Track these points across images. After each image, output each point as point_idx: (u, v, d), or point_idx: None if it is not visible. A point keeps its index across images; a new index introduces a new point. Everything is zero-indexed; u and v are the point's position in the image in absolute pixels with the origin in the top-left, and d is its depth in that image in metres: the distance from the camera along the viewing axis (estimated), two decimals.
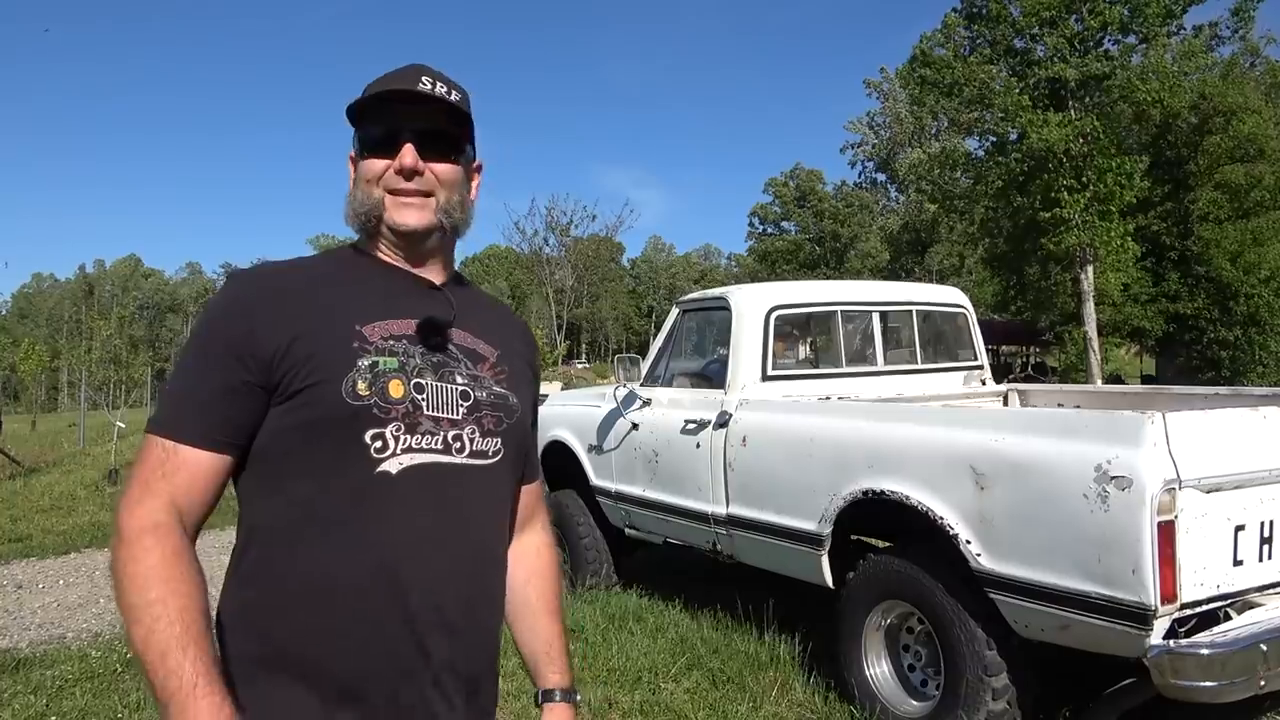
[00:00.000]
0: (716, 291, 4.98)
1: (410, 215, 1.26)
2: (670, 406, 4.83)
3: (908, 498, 3.34)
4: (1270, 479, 2.89)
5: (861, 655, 3.63)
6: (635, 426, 5.00)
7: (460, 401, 1.26)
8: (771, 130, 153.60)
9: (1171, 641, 2.68)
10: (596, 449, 5.36)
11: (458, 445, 1.24)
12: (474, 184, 1.38)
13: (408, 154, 1.25)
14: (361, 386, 1.17)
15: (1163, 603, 2.63)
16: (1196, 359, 22.92)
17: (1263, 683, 2.72)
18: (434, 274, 1.33)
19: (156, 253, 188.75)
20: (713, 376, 4.80)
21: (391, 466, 1.18)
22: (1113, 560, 2.70)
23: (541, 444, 5.46)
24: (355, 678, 1.16)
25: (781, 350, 4.88)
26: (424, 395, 1.22)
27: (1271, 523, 2.90)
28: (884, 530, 4.19)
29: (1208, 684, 2.65)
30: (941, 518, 3.21)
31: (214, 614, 1.16)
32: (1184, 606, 2.70)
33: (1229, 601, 2.84)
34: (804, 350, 5.49)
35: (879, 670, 3.63)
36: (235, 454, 1.18)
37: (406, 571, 1.18)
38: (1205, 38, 19.08)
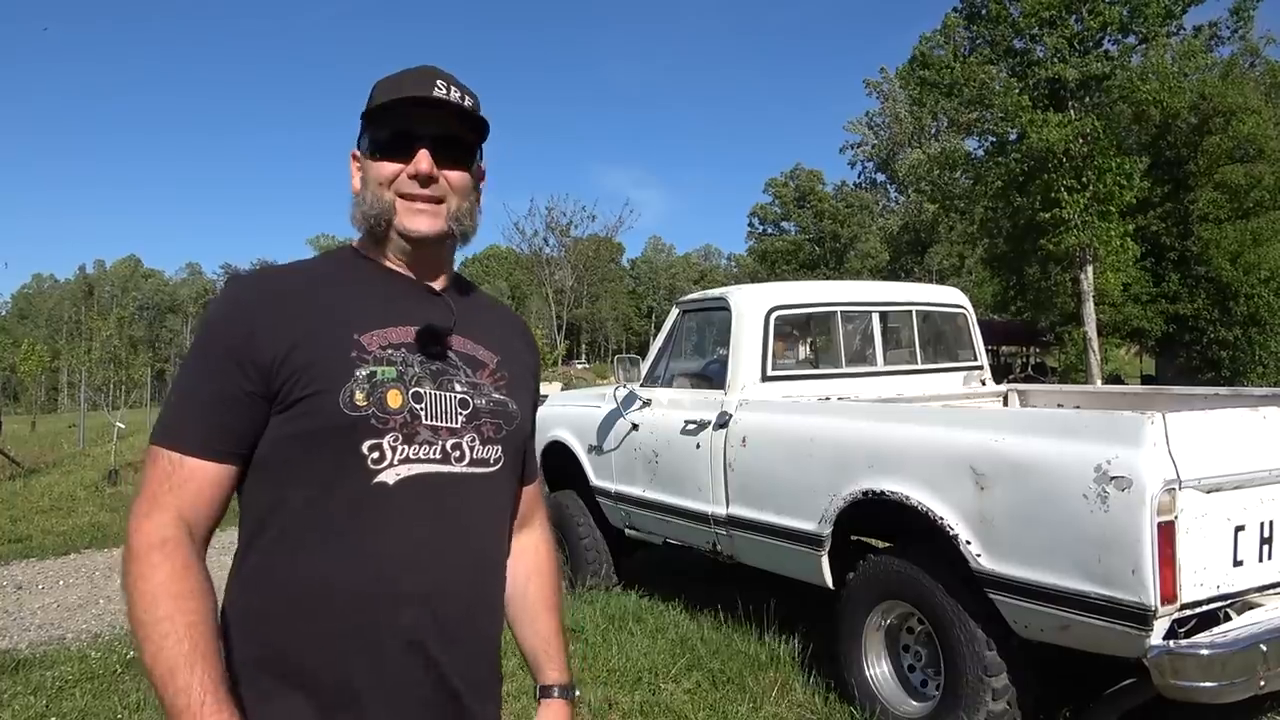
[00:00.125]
0: (716, 292, 4.98)
1: (423, 221, 1.25)
2: (670, 407, 4.82)
3: (908, 498, 3.34)
4: (1270, 479, 2.89)
5: (861, 655, 3.63)
6: (635, 427, 5.00)
7: (459, 410, 1.25)
8: (771, 130, 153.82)
9: (1171, 642, 2.68)
10: (596, 449, 5.36)
11: (457, 454, 1.24)
12: (480, 188, 1.37)
13: (424, 160, 1.24)
14: (359, 397, 1.17)
15: (1163, 603, 2.63)
16: (1196, 359, 22.91)
17: (1263, 683, 2.72)
18: (435, 279, 1.32)
19: (156, 253, 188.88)
20: (713, 377, 4.80)
21: (389, 477, 1.18)
22: (1113, 560, 2.70)
23: (541, 444, 5.47)
24: (353, 686, 1.16)
25: (781, 350, 4.88)
26: (422, 405, 1.21)
27: (1271, 523, 2.90)
28: (884, 530, 4.19)
29: (1208, 684, 2.65)
30: (941, 518, 3.20)
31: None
32: (1184, 607, 2.70)
33: (1229, 602, 2.84)
34: (804, 350, 5.49)
35: (879, 670, 3.63)
36: (240, 463, 1.18)
37: (404, 581, 1.18)
38: (1205, 38, 19.09)
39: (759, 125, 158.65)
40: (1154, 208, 22.62)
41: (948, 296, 5.46)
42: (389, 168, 1.25)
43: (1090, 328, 19.60)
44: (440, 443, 1.22)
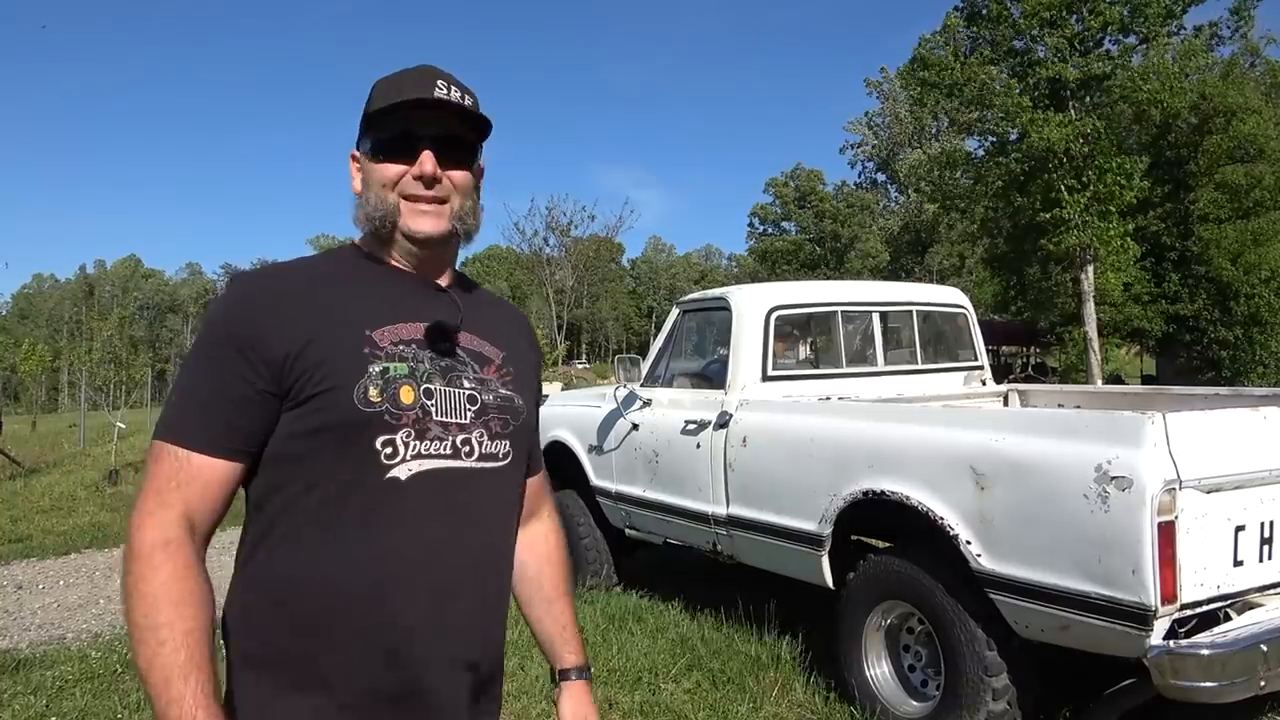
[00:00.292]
0: (716, 292, 4.98)
1: (427, 222, 1.26)
2: (670, 407, 4.82)
3: (908, 498, 3.33)
4: (1270, 479, 2.89)
5: (862, 656, 3.63)
6: (635, 427, 5.00)
7: (468, 406, 1.26)
8: (771, 130, 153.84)
9: (1171, 642, 2.68)
10: (597, 449, 5.36)
11: (467, 449, 1.24)
12: (480, 186, 1.37)
13: (428, 161, 1.24)
14: (373, 393, 1.17)
15: (1163, 603, 2.63)
16: (1196, 359, 22.90)
17: (1263, 683, 2.72)
18: (439, 276, 1.33)
19: (156, 253, 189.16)
20: (713, 377, 4.80)
21: (401, 473, 1.18)
22: (1113, 560, 2.70)
23: (542, 444, 5.45)
24: (360, 682, 1.16)
25: (782, 350, 4.88)
26: (433, 401, 1.22)
27: (1271, 523, 2.90)
28: (884, 530, 4.19)
29: (1208, 684, 2.65)
30: (941, 518, 3.20)
31: (219, 615, 1.16)
32: (1184, 607, 2.69)
33: (1229, 602, 2.84)
34: (804, 350, 5.49)
35: (879, 671, 3.63)
36: (248, 461, 1.18)
37: (415, 577, 1.19)
38: (1205, 38, 19.09)
39: (759, 125, 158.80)
40: (1154, 208, 22.62)
41: (948, 296, 5.46)
42: (392, 169, 1.25)
43: (1090, 328, 19.60)
44: (450, 438, 1.23)
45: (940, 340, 5.39)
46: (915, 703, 3.51)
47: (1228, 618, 2.85)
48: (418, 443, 1.20)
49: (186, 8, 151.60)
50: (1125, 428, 2.76)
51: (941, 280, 38.07)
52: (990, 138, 20.87)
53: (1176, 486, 2.66)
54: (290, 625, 1.17)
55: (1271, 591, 2.93)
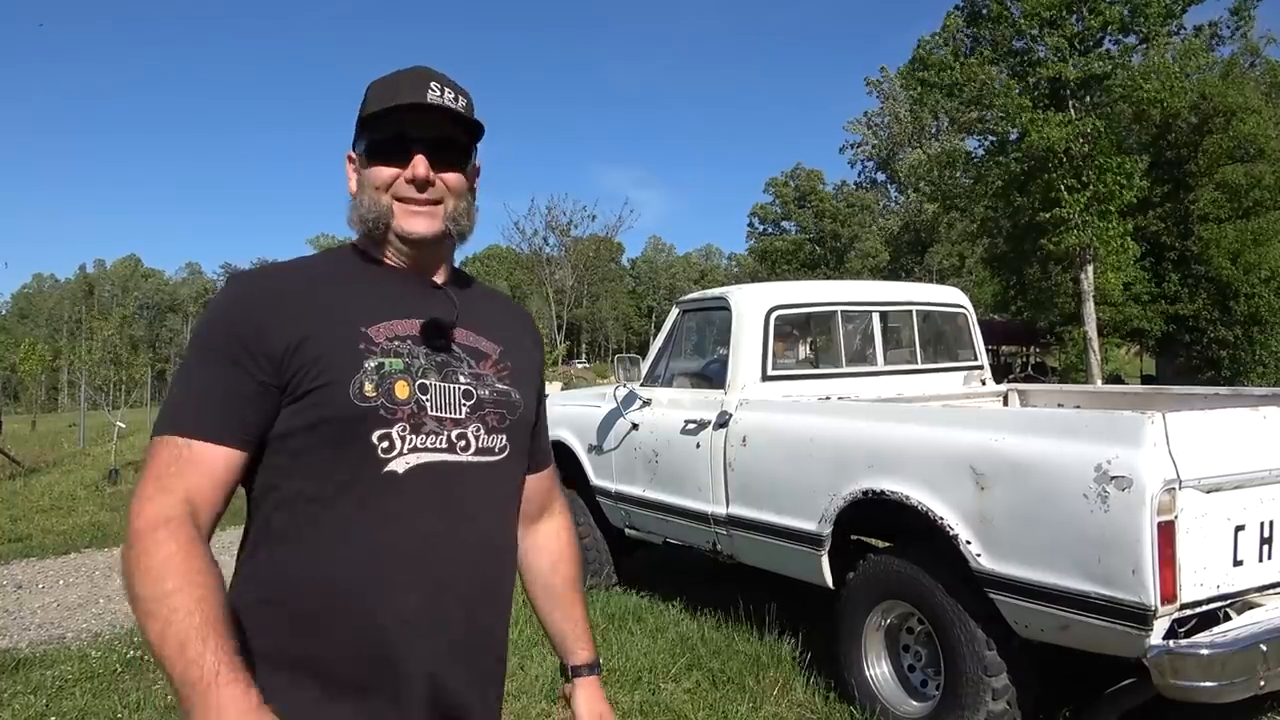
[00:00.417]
0: (716, 291, 4.98)
1: (420, 224, 1.26)
2: (670, 406, 4.82)
3: (908, 498, 3.33)
4: (1270, 479, 2.89)
5: (861, 655, 3.63)
6: (635, 426, 5.00)
7: (463, 401, 1.27)
8: (771, 130, 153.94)
9: (1171, 642, 2.68)
10: (596, 449, 5.36)
11: (462, 444, 1.25)
12: (475, 185, 1.38)
13: (420, 165, 1.25)
14: (369, 388, 1.18)
15: (1163, 603, 2.63)
16: (1196, 359, 22.91)
17: (1263, 683, 2.72)
18: (435, 274, 1.34)
19: (156, 253, 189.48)
20: (713, 376, 4.80)
21: (398, 466, 1.19)
22: (1113, 560, 2.70)
23: None
24: (359, 676, 1.17)
25: (781, 350, 4.88)
26: (428, 396, 1.23)
27: (1271, 523, 2.90)
28: (884, 530, 4.19)
29: (1208, 684, 2.65)
30: (941, 518, 3.20)
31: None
32: (1184, 607, 2.69)
33: (1229, 602, 2.84)
34: (804, 350, 5.49)
35: (879, 670, 3.63)
36: (249, 450, 1.17)
37: (412, 570, 1.19)
38: (1205, 38, 19.09)
39: (759, 125, 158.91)
40: (1154, 207, 22.63)
41: (948, 296, 5.46)
42: (386, 172, 1.26)
43: (1090, 327, 19.61)
44: (446, 433, 1.24)
45: (940, 340, 5.39)
46: (915, 703, 3.51)
47: (1227, 617, 2.85)
48: (414, 437, 1.20)
49: (186, 8, 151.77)
50: (1125, 427, 2.76)
51: (941, 280, 38.06)
52: (990, 137, 20.88)
53: (1176, 486, 2.66)
54: (290, 621, 1.17)
55: (1271, 591, 2.93)
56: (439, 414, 1.23)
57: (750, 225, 59.15)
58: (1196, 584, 2.72)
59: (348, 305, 1.23)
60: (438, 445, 1.22)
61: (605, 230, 47.63)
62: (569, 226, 44.50)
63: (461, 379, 1.28)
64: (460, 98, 1.28)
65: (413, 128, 1.25)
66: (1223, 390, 4.65)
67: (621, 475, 5.15)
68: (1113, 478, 2.70)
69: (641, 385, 4.97)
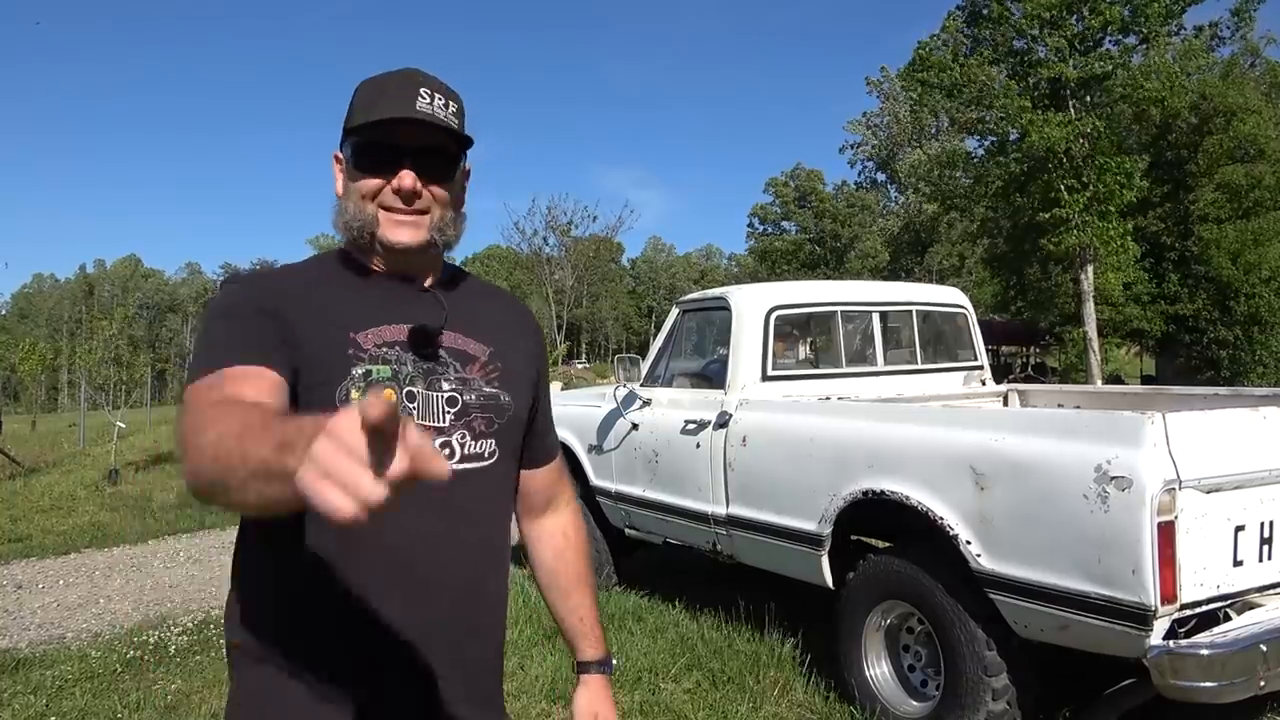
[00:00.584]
0: (716, 291, 4.98)
1: (405, 233, 1.25)
2: (670, 407, 4.82)
3: (908, 498, 3.34)
4: (1270, 479, 2.89)
5: (861, 655, 3.63)
6: (635, 427, 5.00)
7: (447, 409, 1.26)
8: (771, 130, 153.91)
9: (1171, 642, 2.68)
10: (596, 449, 5.36)
11: (446, 452, 1.24)
12: (464, 191, 1.35)
13: (407, 178, 1.22)
14: (354, 394, 1.17)
15: (1163, 603, 2.63)
16: (1196, 359, 22.91)
17: (1263, 683, 2.72)
18: (424, 278, 1.32)
19: (156, 253, 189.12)
20: (713, 376, 4.80)
21: None
22: (1113, 560, 2.70)
23: None
24: (351, 679, 1.17)
25: (781, 350, 4.88)
26: (414, 404, 1.22)
27: (1271, 523, 2.90)
28: (884, 530, 4.19)
29: (1208, 684, 2.65)
30: (941, 518, 3.20)
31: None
32: (1184, 607, 2.69)
33: (1229, 602, 2.84)
34: (804, 350, 5.49)
35: (879, 670, 3.63)
36: (284, 374, 1.12)
37: (400, 573, 1.19)
38: (1205, 38, 19.09)
39: (759, 125, 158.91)
40: (1154, 208, 22.63)
41: (948, 296, 5.46)
42: (371, 183, 1.24)
43: (1090, 328, 19.61)
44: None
45: (940, 340, 5.39)
46: (915, 703, 3.51)
47: (1227, 618, 2.85)
48: None
49: (186, 8, 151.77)
50: (1125, 428, 2.76)
51: (941, 280, 38.08)
52: (990, 137, 20.87)
53: (1176, 486, 2.66)
54: (288, 623, 1.18)
55: (1271, 591, 2.93)
56: (423, 423, 1.22)
57: (750, 225, 59.21)
58: (1196, 584, 2.72)
59: (339, 310, 1.23)
60: None
61: (605, 230, 47.72)
62: (569, 227, 44.56)
63: (446, 385, 1.26)
64: (451, 103, 1.26)
65: (401, 138, 1.23)
66: (1223, 390, 4.64)
67: (621, 475, 5.15)
68: (1113, 478, 2.70)
69: (641, 385, 4.97)
